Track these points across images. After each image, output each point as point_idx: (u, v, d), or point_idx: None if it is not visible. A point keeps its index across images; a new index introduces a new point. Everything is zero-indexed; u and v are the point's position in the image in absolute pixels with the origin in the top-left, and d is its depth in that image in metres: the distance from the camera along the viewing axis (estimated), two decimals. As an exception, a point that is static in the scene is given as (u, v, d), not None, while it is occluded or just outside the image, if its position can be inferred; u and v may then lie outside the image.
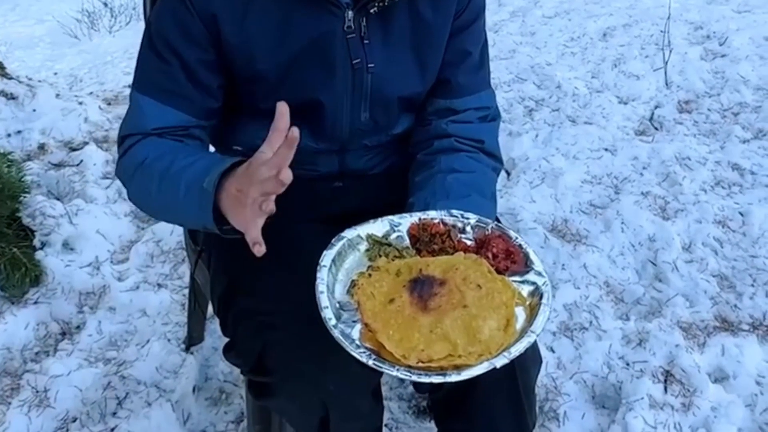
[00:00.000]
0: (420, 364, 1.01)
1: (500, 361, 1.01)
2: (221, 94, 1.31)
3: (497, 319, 1.05)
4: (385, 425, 1.84)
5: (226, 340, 1.38)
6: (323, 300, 1.08)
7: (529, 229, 2.51)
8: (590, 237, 2.54)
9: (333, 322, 1.05)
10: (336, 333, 1.03)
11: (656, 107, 3.38)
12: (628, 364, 2.03)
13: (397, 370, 1.00)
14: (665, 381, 1.98)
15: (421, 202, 1.34)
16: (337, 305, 1.09)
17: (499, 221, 1.43)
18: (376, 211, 1.34)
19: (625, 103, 3.42)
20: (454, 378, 1.00)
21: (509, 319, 1.06)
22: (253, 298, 1.31)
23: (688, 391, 1.95)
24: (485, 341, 1.02)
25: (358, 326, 1.06)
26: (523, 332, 1.06)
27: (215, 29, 1.23)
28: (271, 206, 1.01)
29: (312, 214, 1.45)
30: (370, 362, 1.01)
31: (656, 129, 3.23)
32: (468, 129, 1.43)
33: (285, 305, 1.26)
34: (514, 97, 3.46)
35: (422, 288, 1.08)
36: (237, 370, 1.91)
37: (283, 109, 1.02)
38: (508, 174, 2.91)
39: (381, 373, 1.37)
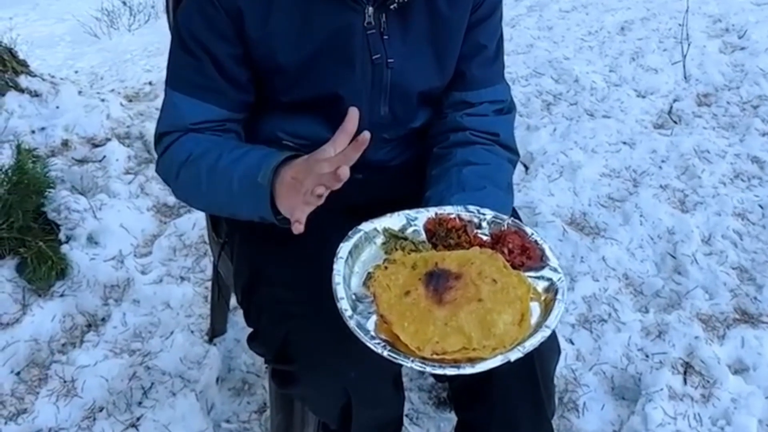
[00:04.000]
0: (434, 356, 1.02)
1: (514, 355, 1.02)
2: (252, 87, 1.34)
3: (512, 313, 1.06)
4: (406, 415, 1.86)
5: (249, 331, 1.40)
6: (339, 291, 1.09)
7: (547, 223, 2.52)
8: (609, 230, 2.54)
9: (349, 313, 1.06)
10: (351, 324, 1.05)
11: (675, 101, 3.37)
12: (647, 356, 2.04)
13: (412, 361, 1.01)
14: (685, 372, 1.98)
15: (437, 196, 1.36)
16: (353, 297, 1.11)
17: (516, 214, 1.44)
18: (395, 203, 1.36)
19: (644, 97, 3.41)
20: (468, 370, 1.01)
21: (524, 314, 1.07)
22: (275, 288, 1.33)
23: (708, 382, 1.95)
24: (499, 335, 1.03)
25: (374, 318, 1.07)
26: (538, 327, 1.07)
27: (240, 23, 1.25)
28: (322, 198, 1.08)
29: (332, 205, 1.47)
30: (385, 353, 1.02)
31: (675, 122, 3.22)
32: (483, 122, 1.44)
33: (307, 294, 1.28)
34: (532, 92, 3.45)
35: (438, 281, 1.08)
36: (259, 361, 1.95)
37: (353, 114, 1.11)
38: (527, 168, 2.91)
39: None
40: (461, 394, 1.43)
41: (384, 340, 1.05)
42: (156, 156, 1.38)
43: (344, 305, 1.07)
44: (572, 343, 2.10)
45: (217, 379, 1.96)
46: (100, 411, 1.86)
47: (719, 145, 3.00)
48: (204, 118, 1.31)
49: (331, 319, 1.23)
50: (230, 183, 1.23)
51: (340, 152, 1.08)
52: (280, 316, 1.29)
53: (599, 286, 2.29)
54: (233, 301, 2.01)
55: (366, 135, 1.06)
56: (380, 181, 1.49)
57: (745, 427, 1.83)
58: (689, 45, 3.67)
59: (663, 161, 2.92)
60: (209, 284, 2.18)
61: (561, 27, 4.18)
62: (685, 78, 3.54)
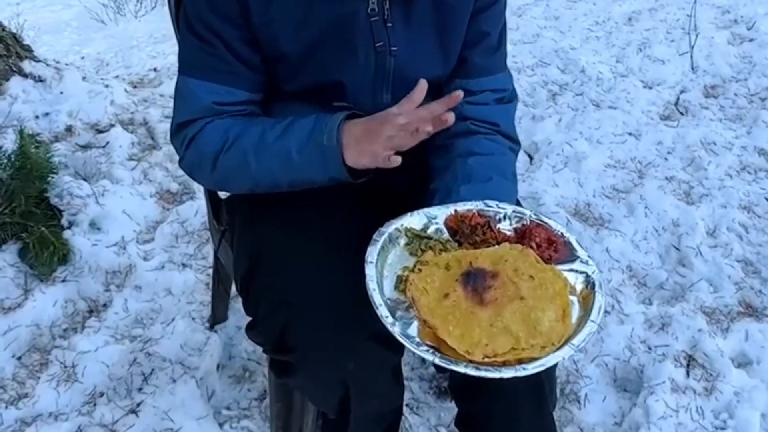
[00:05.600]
0: (486, 360, 1.00)
1: (567, 353, 1.01)
2: (265, 68, 1.32)
3: (554, 309, 1.04)
4: (406, 404, 1.86)
5: (249, 318, 1.40)
6: (376, 298, 1.06)
7: (551, 213, 2.50)
8: (613, 221, 2.53)
9: (390, 320, 1.03)
10: (396, 332, 1.02)
11: (682, 92, 3.34)
12: (650, 348, 2.03)
13: (465, 366, 0.99)
14: (687, 365, 1.97)
15: (443, 188, 1.35)
16: (388, 302, 1.08)
17: (519, 204, 1.43)
18: (396, 194, 1.35)
19: (650, 88, 3.38)
20: (522, 372, 0.99)
21: (565, 309, 1.05)
22: (274, 277, 1.32)
23: (711, 375, 1.94)
24: (546, 332, 1.02)
25: (415, 323, 1.05)
26: (581, 321, 1.05)
27: (245, 7, 1.24)
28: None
29: (333, 196, 1.46)
30: (436, 360, 1.00)
31: (681, 114, 3.19)
32: (484, 111, 1.43)
33: (306, 284, 1.27)
34: (538, 81, 3.43)
35: (475, 281, 1.06)
36: (260, 349, 1.94)
37: (422, 85, 1.20)
38: (531, 158, 2.90)
39: (401, 353, 1.39)
40: (462, 385, 1.42)
41: (430, 346, 1.02)
42: (178, 150, 1.36)
43: (383, 312, 1.04)
44: (577, 335, 2.09)
45: (218, 366, 1.96)
46: (101, 396, 1.86)
47: (726, 137, 2.98)
48: (223, 101, 1.29)
49: (330, 310, 1.22)
50: (288, 154, 1.24)
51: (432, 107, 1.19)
52: (279, 306, 1.28)
53: (603, 278, 2.28)
54: (234, 288, 2.01)
55: (460, 93, 1.18)
56: (381, 172, 1.48)
57: (747, 420, 1.82)
58: (697, 36, 3.64)
59: (669, 153, 2.90)
60: (211, 271, 2.18)
61: (568, 17, 4.15)
62: (693, 69, 3.51)
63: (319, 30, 1.27)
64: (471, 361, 1.00)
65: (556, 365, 1.40)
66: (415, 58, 1.34)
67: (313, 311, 1.24)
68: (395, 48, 1.31)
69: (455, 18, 1.35)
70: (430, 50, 1.36)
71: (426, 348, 1.01)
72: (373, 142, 1.19)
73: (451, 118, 1.16)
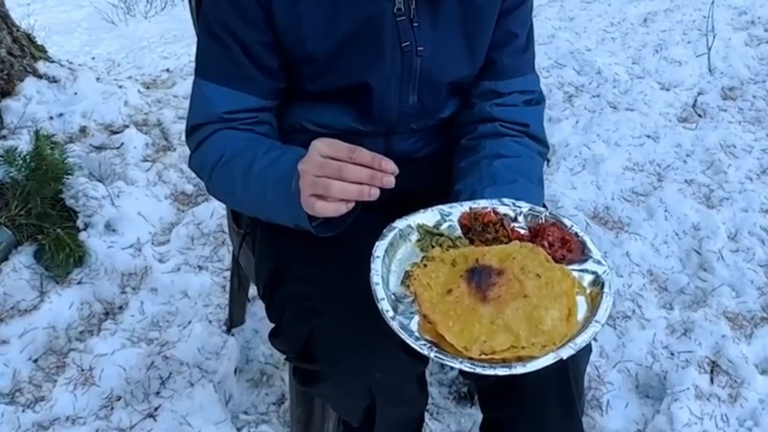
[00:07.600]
0: (483, 357, 0.98)
1: (566, 352, 0.99)
2: (283, 74, 1.31)
3: (559, 308, 1.02)
4: (426, 410, 1.83)
5: (268, 322, 1.37)
6: (379, 292, 1.05)
7: (570, 216, 2.46)
8: (633, 225, 2.50)
9: (391, 314, 1.02)
10: (395, 325, 1.01)
11: (699, 94, 3.31)
12: (672, 354, 2.00)
13: (461, 362, 0.97)
14: (711, 371, 1.94)
15: (468, 189, 1.33)
16: (393, 297, 1.07)
17: (545, 207, 1.40)
18: (421, 196, 1.32)
19: (668, 90, 3.35)
20: (519, 370, 0.97)
21: (571, 309, 1.03)
22: (299, 284, 1.30)
23: (735, 382, 1.92)
24: (548, 331, 1.00)
25: (416, 318, 1.04)
26: (586, 322, 1.03)
27: (269, 9, 1.23)
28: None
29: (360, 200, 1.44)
30: (432, 355, 0.98)
31: (700, 116, 3.16)
32: (513, 112, 1.41)
33: (331, 291, 1.25)
34: (554, 83, 3.40)
35: (480, 278, 1.05)
36: (278, 353, 1.92)
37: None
38: (548, 161, 2.87)
39: (427, 361, 1.37)
40: (488, 392, 1.39)
41: (429, 341, 1.01)
42: (188, 149, 1.36)
43: (385, 306, 1.03)
44: (595, 340, 2.06)
45: (235, 370, 1.94)
46: (118, 400, 1.85)
47: (745, 140, 2.95)
48: (236, 107, 1.28)
49: (357, 318, 1.20)
50: (265, 188, 1.21)
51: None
52: (304, 313, 1.25)
53: (623, 282, 2.26)
54: (252, 291, 1.99)
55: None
56: (405, 173, 1.44)
57: (773, 428, 1.80)
58: (714, 37, 3.61)
59: (688, 155, 2.87)
60: (227, 274, 2.17)
61: (583, 18, 4.12)
62: (710, 71, 3.48)
63: (345, 30, 1.25)
64: (468, 358, 0.98)
65: (585, 371, 1.39)
66: (442, 58, 1.32)
67: (340, 319, 1.21)
68: (422, 48, 1.29)
69: (482, 18, 1.33)
70: (456, 50, 1.33)
71: (424, 342, 1.00)
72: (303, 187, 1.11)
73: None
